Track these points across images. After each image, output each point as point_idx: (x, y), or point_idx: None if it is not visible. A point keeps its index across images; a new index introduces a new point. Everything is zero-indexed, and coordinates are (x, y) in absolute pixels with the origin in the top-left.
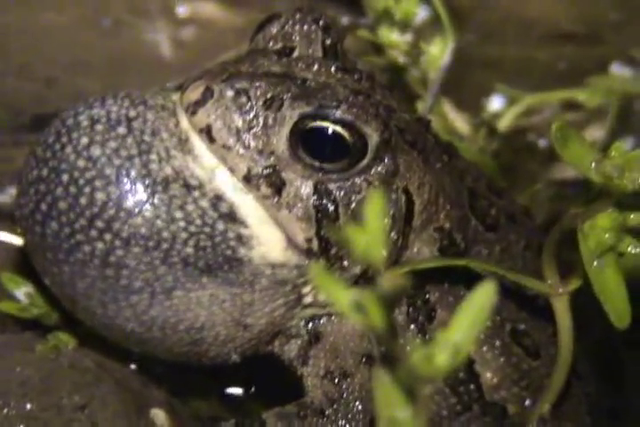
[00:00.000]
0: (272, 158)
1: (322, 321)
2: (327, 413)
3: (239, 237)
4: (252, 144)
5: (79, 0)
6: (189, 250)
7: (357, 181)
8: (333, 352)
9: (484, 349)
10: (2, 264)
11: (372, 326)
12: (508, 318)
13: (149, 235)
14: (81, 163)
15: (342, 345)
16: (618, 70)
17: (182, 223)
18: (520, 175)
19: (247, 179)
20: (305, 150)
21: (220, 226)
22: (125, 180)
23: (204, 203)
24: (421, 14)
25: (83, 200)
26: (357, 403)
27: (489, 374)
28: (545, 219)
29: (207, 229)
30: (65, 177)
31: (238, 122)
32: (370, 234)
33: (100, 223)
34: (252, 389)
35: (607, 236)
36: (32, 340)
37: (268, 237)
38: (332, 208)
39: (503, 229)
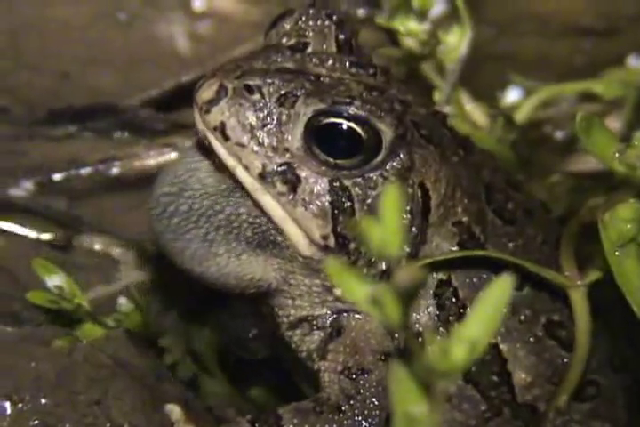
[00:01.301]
0: (287, 155)
1: (347, 316)
2: (344, 409)
3: (276, 228)
4: (267, 141)
5: None
6: (249, 233)
7: (373, 176)
8: (353, 348)
9: (517, 346)
10: (13, 258)
11: (388, 320)
12: (542, 310)
13: (227, 224)
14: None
15: (363, 342)
16: (634, 63)
17: (244, 216)
18: (537, 167)
19: (262, 176)
20: (319, 147)
21: (263, 219)
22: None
23: (249, 202)
24: (438, 8)
25: (194, 207)
26: (374, 399)
27: (523, 375)
28: (562, 211)
29: (257, 220)
30: (186, 194)
31: (252, 119)
32: (386, 228)
33: (202, 219)
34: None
35: (628, 226)
36: (48, 334)
37: (291, 234)
38: (347, 204)
39: (521, 224)
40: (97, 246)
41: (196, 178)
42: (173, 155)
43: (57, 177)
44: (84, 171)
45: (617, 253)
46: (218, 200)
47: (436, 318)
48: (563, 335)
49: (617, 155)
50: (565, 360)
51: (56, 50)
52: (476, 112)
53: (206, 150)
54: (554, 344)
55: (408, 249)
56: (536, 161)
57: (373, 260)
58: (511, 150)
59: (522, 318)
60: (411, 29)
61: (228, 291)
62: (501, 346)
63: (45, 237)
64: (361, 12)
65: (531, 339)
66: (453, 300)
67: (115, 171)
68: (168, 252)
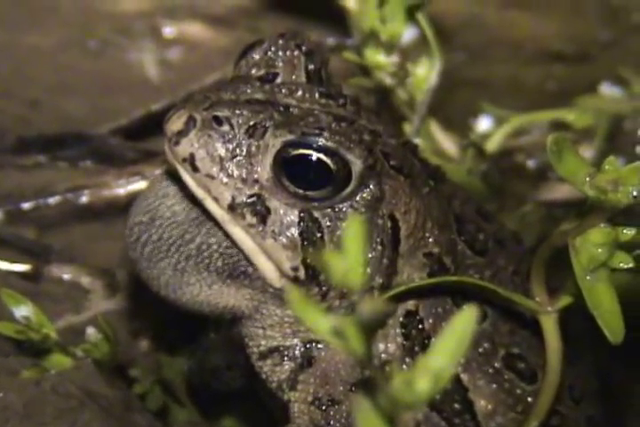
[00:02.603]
0: (256, 187)
1: (318, 346)
2: None
3: (247, 259)
4: (236, 173)
5: (65, 21)
6: (220, 263)
7: (343, 207)
8: (324, 378)
9: (477, 376)
10: None
11: (352, 351)
12: (500, 343)
13: (198, 254)
14: (162, 221)
15: (333, 372)
16: (607, 90)
17: (215, 247)
18: (508, 197)
19: (232, 208)
20: (289, 178)
21: (235, 250)
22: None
23: (220, 232)
24: (409, 34)
25: (164, 236)
26: None
27: (483, 402)
28: (534, 241)
29: (228, 251)
30: (157, 223)
31: (221, 150)
32: (348, 259)
33: (172, 248)
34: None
35: (599, 251)
36: (16, 365)
37: (261, 265)
38: (317, 236)
39: (492, 254)
40: (66, 276)
41: (165, 206)
42: (142, 183)
43: (26, 206)
44: (54, 200)
45: (588, 277)
46: (188, 229)
47: (402, 347)
48: (522, 368)
49: (588, 179)
50: (525, 391)
51: (26, 77)
52: (446, 143)
53: (177, 179)
54: (513, 376)
55: (380, 280)
56: (508, 190)
57: (345, 291)
58: (482, 181)
59: (481, 350)
60: (379, 62)
61: (203, 316)
62: (462, 376)
63: (14, 266)
64: (331, 41)
65: (490, 370)
66: (419, 330)
67: (84, 200)
68: (144, 279)
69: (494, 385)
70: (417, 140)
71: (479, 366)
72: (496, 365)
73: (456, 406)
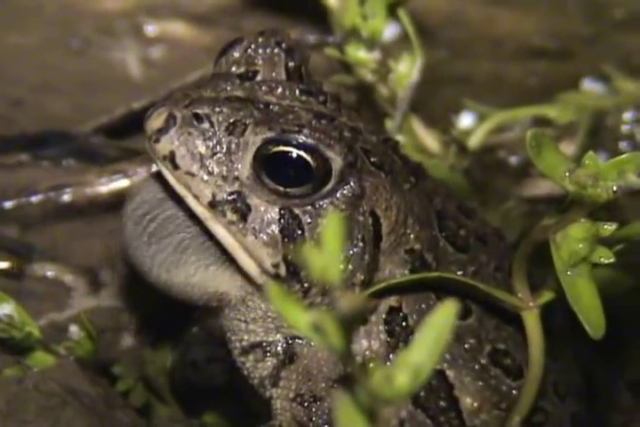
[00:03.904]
0: (236, 184)
1: (300, 342)
2: None
3: (230, 256)
4: (216, 170)
5: (47, 20)
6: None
7: (323, 204)
8: (306, 375)
9: (463, 373)
10: None
11: (331, 347)
12: (486, 339)
13: (204, 234)
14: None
15: (316, 369)
16: (589, 86)
17: None
18: (491, 193)
19: (212, 205)
20: (269, 175)
21: None
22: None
23: None
24: (391, 31)
25: (179, 214)
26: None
27: (468, 399)
28: (517, 237)
29: None
30: (154, 213)
31: (201, 148)
32: (327, 255)
33: (182, 224)
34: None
35: (580, 246)
36: None
37: (243, 262)
38: (298, 233)
39: (473, 251)
40: (49, 274)
41: None
42: (125, 182)
43: (8, 205)
44: (36, 198)
45: (569, 272)
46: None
47: (386, 344)
48: (507, 364)
49: (567, 174)
50: (511, 388)
51: (9, 76)
52: (428, 139)
53: (160, 177)
54: (499, 372)
55: (361, 277)
56: (490, 187)
57: (327, 288)
58: (464, 177)
59: (466, 346)
60: (361, 59)
61: (190, 302)
62: (447, 372)
63: None
64: (312, 39)
65: (476, 366)
66: (403, 326)
67: (66, 198)
68: (138, 257)
69: (480, 382)
70: (399, 137)
71: (465, 362)
72: (482, 361)
73: (442, 403)
